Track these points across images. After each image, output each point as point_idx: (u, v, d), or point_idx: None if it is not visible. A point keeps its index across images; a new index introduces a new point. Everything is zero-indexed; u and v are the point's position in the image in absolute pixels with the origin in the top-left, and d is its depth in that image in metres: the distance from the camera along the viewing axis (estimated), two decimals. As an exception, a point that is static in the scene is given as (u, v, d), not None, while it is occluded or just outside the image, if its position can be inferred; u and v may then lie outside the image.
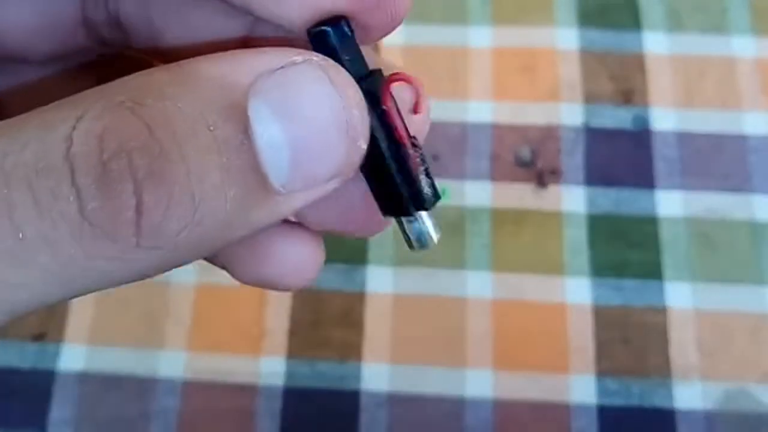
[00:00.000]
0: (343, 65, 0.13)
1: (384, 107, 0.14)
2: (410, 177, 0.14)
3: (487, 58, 0.43)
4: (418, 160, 0.14)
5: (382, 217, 0.15)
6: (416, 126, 0.15)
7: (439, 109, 0.42)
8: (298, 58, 0.12)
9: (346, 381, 0.36)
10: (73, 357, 0.37)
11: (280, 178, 0.12)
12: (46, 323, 0.38)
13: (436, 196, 0.15)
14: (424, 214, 0.15)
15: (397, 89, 0.14)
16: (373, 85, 0.14)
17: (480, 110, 0.42)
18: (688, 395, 0.36)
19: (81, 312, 0.38)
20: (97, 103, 0.12)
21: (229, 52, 0.12)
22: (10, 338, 0.38)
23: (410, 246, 0.15)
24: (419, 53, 0.43)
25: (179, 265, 0.13)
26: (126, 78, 0.12)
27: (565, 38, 0.44)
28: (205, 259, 0.16)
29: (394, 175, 0.14)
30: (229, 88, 0.12)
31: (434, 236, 0.15)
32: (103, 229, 0.11)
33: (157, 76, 0.12)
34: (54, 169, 0.11)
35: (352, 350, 0.37)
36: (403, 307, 0.38)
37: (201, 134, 0.12)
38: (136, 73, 0.12)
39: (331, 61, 0.13)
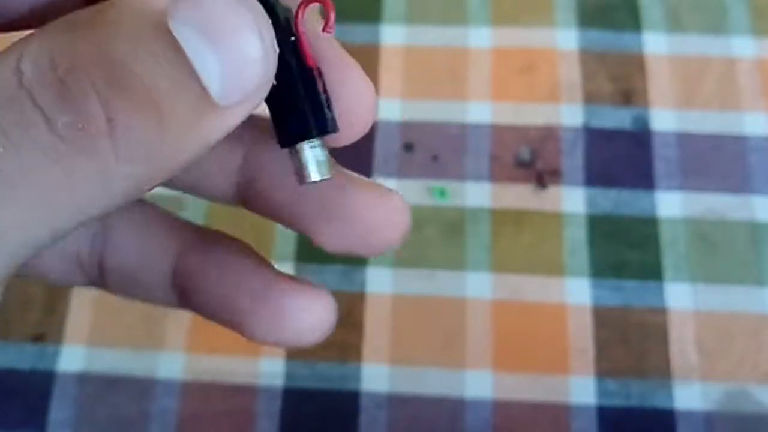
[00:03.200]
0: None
1: (296, 33, 0.15)
2: (317, 101, 0.15)
3: (486, 58, 0.43)
4: (320, 86, 0.15)
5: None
6: (357, 88, 0.16)
7: (439, 110, 0.42)
8: None
9: (346, 381, 0.36)
10: (72, 358, 0.37)
11: (217, 91, 0.13)
12: (45, 324, 0.38)
13: (336, 125, 0.15)
14: (320, 145, 0.15)
15: (309, 22, 0.15)
16: (289, 14, 0.15)
17: (480, 111, 0.42)
18: (688, 396, 0.36)
19: (80, 313, 0.38)
20: (37, 37, 0.12)
21: None
22: (10, 339, 0.38)
23: (303, 179, 0.15)
24: (419, 53, 0.43)
25: (153, 185, 0.13)
26: (57, 19, 0.13)
27: (565, 38, 0.43)
28: (217, 320, 0.18)
29: (301, 99, 0.15)
30: (153, 9, 0.12)
31: (329, 169, 0.15)
32: (78, 145, 0.12)
33: (84, 10, 0.13)
34: (13, 100, 0.12)
35: (351, 351, 0.37)
36: (402, 307, 0.38)
37: (141, 49, 0.12)
38: (64, 17, 0.13)
39: None
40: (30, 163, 0.12)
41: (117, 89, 0.12)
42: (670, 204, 0.39)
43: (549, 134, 0.41)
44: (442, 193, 0.40)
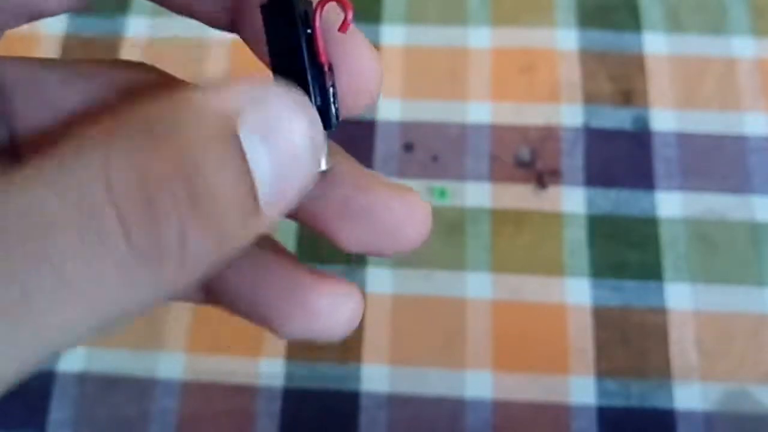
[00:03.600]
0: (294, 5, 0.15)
1: (313, 28, 0.15)
2: (325, 96, 0.16)
3: (486, 58, 0.43)
4: (331, 83, 0.16)
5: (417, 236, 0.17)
6: (364, 61, 0.16)
7: (439, 110, 0.42)
8: (273, 88, 0.14)
9: (346, 382, 0.36)
10: (72, 358, 0.37)
11: (264, 196, 0.13)
12: (45, 324, 0.38)
13: (338, 119, 0.16)
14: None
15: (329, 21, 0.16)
16: (308, 7, 0.15)
17: (479, 111, 0.42)
18: (688, 396, 0.36)
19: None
20: (122, 144, 0.13)
21: (214, 84, 0.14)
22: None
23: None
24: (419, 54, 0.43)
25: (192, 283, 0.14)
26: (134, 110, 0.13)
27: (565, 39, 0.44)
28: (244, 317, 0.18)
29: (309, 93, 0.15)
30: (225, 119, 0.13)
31: (325, 160, 0.16)
32: (146, 257, 0.12)
33: (162, 103, 0.13)
34: (97, 209, 0.12)
35: (351, 351, 0.37)
36: (402, 307, 0.38)
37: (213, 159, 0.13)
38: (137, 106, 0.13)
39: (294, 90, 0.14)
40: (97, 270, 0.12)
41: (194, 208, 0.12)
42: (670, 204, 0.39)
43: (549, 134, 0.41)
44: (442, 193, 0.40)
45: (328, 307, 0.17)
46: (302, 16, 0.15)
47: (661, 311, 0.37)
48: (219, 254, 0.13)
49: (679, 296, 0.38)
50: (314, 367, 0.37)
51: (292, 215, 0.17)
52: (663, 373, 0.36)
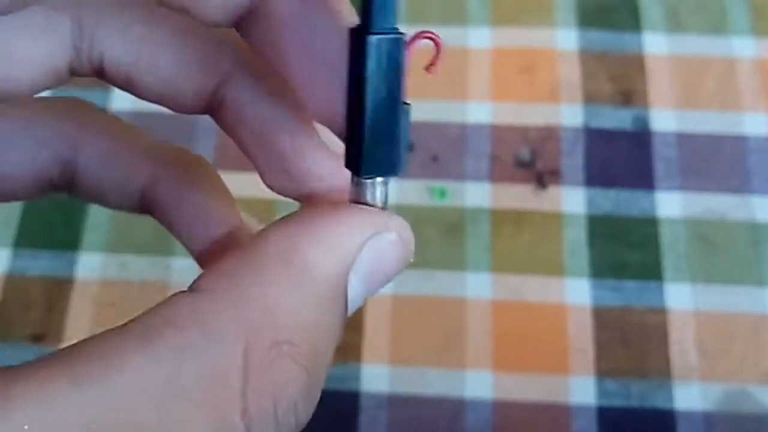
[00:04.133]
0: (395, 26, 0.14)
1: (403, 65, 0.14)
2: (406, 140, 0.15)
3: (486, 58, 0.43)
4: (406, 122, 0.15)
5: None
6: None
7: (439, 110, 0.42)
8: (383, 232, 0.15)
9: (346, 382, 0.36)
10: (72, 358, 0.37)
11: (350, 313, 0.15)
12: (45, 324, 0.38)
13: (403, 162, 0.15)
14: (387, 182, 0.15)
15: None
16: (398, 41, 0.14)
17: (479, 111, 0.42)
18: (688, 396, 0.36)
19: (80, 313, 0.38)
20: (254, 347, 0.13)
21: (324, 225, 0.14)
22: (10, 339, 0.38)
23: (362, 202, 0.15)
24: (419, 54, 0.43)
25: None
26: (251, 292, 0.13)
27: (565, 39, 0.43)
28: (244, 147, 0.18)
29: (396, 135, 0.14)
30: (338, 280, 0.14)
31: (386, 201, 0.16)
32: None
33: (284, 289, 0.14)
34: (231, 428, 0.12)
35: (351, 351, 0.37)
36: (402, 308, 0.38)
37: (327, 341, 0.14)
38: (255, 277, 0.14)
39: (404, 228, 0.15)
40: None
41: (311, 404, 0.14)
42: (670, 204, 0.39)
43: (549, 134, 0.41)
44: (442, 193, 0.40)
45: (317, 160, 0.17)
46: (394, 48, 0.14)
47: (661, 311, 0.37)
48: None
49: (679, 296, 0.38)
50: (314, 367, 0.37)
51: (232, 136, 0.18)
52: (663, 373, 0.36)
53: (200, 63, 0.17)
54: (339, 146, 0.16)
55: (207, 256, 0.19)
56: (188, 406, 0.12)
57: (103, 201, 0.19)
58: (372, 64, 0.14)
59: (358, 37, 0.14)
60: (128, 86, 0.17)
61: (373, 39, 0.14)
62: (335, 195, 0.17)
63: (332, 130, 0.16)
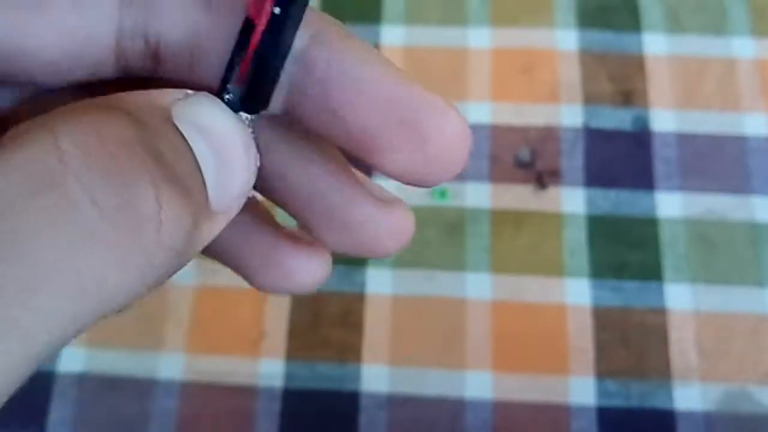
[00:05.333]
0: None
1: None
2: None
3: (486, 58, 0.43)
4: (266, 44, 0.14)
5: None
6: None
7: (439, 110, 0.42)
8: (201, 93, 0.13)
9: (346, 382, 0.36)
10: (72, 358, 0.37)
11: (212, 190, 0.13)
12: (45, 324, 0.38)
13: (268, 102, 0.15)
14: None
15: None
16: None
17: (479, 111, 0.42)
18: (688, 396, 0.36)
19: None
20: (65, 117, 0.12)
21: (138, 91, 0.13)
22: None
23: None
24: (418, 54, 0.43)
25: (170, 276, 0.13)
26: (72, 105, 0.12)
27: (565, 39, 0.43)
28: (224, 264, 0.18)
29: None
30: (161, 108, 0.13)
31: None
32: (125, 228, 0.11)
33: (93, 100, 0.13)
34: (53, 181, 0.11)
35: (351, 351, 0.37)
36: (402, 308, 0.38)
37: (166, 138, 0.12)
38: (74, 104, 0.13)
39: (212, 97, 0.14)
40: (70, 250, 0.11)
41: (163, 169, 0.12)
42: (670, 204, 0.39)
43: (549, 135, 0.41)
44: (442, 193, 0.40)
45: (302, 268, 0.18)
46: None
47: (661, 312, 0.37)
48: (193, 236, 0.12)
49: (679, 297, 0.38)
50: (314, 367, 0.37)
51: (279, 199, 0.17)
52: (663, 373, 0.36)
53: None
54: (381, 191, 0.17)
55: None
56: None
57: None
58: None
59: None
60: (183, 78, 0.16)
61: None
62: (390, 243, 0.17)
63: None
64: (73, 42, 0.14)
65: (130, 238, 0.11)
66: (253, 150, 0.14)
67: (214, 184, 0.13)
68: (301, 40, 0.14)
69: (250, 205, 0.18)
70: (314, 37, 0.15)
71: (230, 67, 0.14)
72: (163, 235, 0.12)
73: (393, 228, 0.17)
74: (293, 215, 0.17)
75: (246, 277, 0.18)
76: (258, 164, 0.14)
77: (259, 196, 0.18)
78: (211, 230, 0.13)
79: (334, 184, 0.16)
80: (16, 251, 0.10)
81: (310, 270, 0.18)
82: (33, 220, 0.11)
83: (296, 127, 0.16)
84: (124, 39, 0.15)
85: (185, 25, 0.15)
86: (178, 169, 0.12)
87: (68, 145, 0.11)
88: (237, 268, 0.18)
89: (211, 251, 0.18)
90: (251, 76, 0.14)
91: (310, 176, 0.16)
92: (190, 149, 0.13)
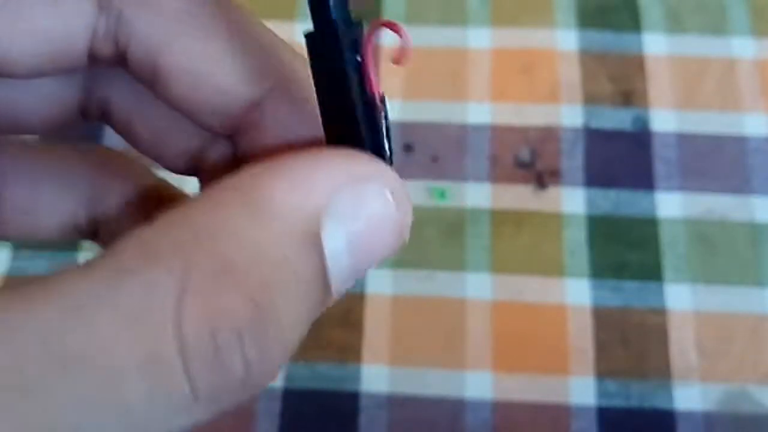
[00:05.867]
0: (332, 19, 0.13)
1: (362, 55, 0.14)
2: (376, 132, 0.14)
3: (486, 59, 0.43)
4: (383, 116, 0.14)
5: None
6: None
7: (439, 111, 0.42)
8: (363, 172, 0.13)
9: (346, 382, 0.36)
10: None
11: (338, 283, 0.13)
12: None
13: (392, 157, 0.15)
14: None
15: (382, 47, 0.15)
16: (357, 34, 0.14)
17: (479, 111, 0.42)
18: (688, 396, 0.36)
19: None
20: (193, 268, 0.12)
21: (297, 166, 0.13)
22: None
23: None
24: (419, 54, 0.43)
25: None
26: (199, 217, 0.12)
27: (565, 39, 0.43)
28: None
29: (360, 129, 0.14)
30: (306, 219, 0.12)
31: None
32: (211, 401, 0.12)
33: (234, 215, 0.12)
34: (167, 361, 0.11)
35: (351, 351, 0.37)
36: (402, 308, 0.38)
37: (285, 278, 0.12)
38: (206, 206, 0.12)
39: (385, 167, 0.13)
40: (158, 415, 0.11)
41: (260, 348, 0.12)
42: (669, 205, 0.39)
43: (549, 135, 0.41)
44: (442, 193, 0.40)
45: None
46: (352, 44, 0.14)
47: (661, 312, 0.37)
48: (285, 357, 0.13)
49: (678, 297, 0.38)
50: (314, 367, 0.37)
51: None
52: (663, 373, 0.36)
53: (188, 125, 0.16)
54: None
55: None
56: (118, 322, 0.11)
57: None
58: (315, 65, 0.14)
59: (324, 38, 0.13)
60: (128, 137, 0.17)
61: (349, 37, 0.13)
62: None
63: None
64: (49, 43, 0.15)
65: (212, 403, 0.12)
66: (407, 225, 0.14)
67: (345, 276, 0.13)
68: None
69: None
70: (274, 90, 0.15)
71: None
72: (244, 395, 0.12)
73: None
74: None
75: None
76: (408, 236, 0.14)
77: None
78: (324, 308, 0.13)
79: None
80: (116, 415, 0.11)
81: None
82: (142, 390, 0.11)
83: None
84: (97, 41, 0.15)
85: (154, 35, 0.15)
86: (285, 320, 0.12)
87: (190, 335, 0.11)
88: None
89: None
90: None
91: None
92: (321, 261, 0.13)
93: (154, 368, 0.11)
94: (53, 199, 0.18)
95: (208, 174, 0.17)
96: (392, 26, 0.13)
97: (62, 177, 0.18)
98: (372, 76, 0.14)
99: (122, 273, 0.11)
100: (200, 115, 0.16)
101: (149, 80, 0.15)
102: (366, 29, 0.14)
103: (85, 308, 0.11)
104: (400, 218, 0.14)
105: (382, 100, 0.14)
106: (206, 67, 0.15)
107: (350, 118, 0.14)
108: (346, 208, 0.13)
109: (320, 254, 0.12)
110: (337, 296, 0.13)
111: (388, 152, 0.14)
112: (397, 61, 0.14)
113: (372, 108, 0.14)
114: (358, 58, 0.14)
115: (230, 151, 0.17)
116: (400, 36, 0.13)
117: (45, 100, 0.16)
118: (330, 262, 0.13)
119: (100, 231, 0.18)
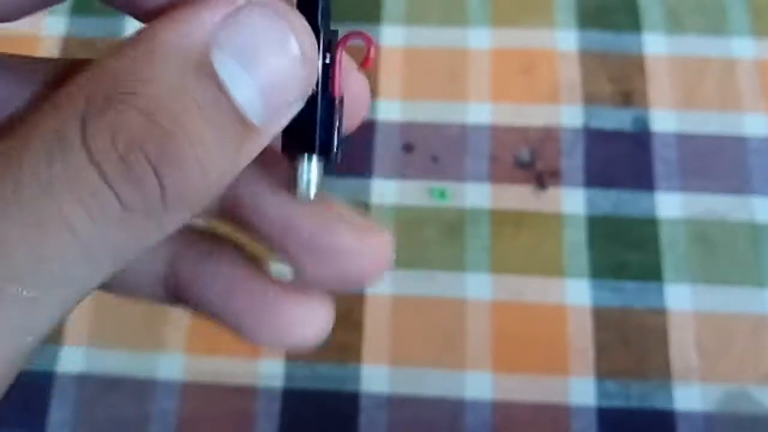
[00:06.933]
0: (318, 24, 0.15)
1: (332, 58, 0.15)
2: (330, 126, 0.16)
3: (486, 59, 0.43)
4: (338, 116, 0.16)
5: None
6: (357, 85, 0.17)
7: (439, 111, 0.42)
8: (248, 5, 0.13)
9: (346, 382, 0.36)
10: (72, 359, 0.37)
11: (257, 117, 0.13)
12: (45, 325, 0.38)
13: (339, 155, 0.16)
14: (317, 165, 0.16)
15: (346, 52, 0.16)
16: (333, 37, 0.16)
17: (479, 111, 0.42)
18: (688, 397, 0.36)
19: (80, 314, 0.38)
20: (92, 101, 0.13)
21: (180, 9, 0.13)
22: (9, 340, 0.37)
23: (294, 193, 0.16)
24: (419, 54, 0.43)
25: (193, 217, 0.14)
26: (98, 67, 0.13)
27: (565, 39, 0.43)
28: (213, 322, 0.18)
29: (317, 119, 0.15)
30: (193, 48, 0.13)
31: (314, 190, 0.16)
32: (139, 212, 0.13)
33: (126, 56, 0.13)
34: (86, 176, 0.12)
35: (351, 352, 0.37)
36: (402, 308, 0.38)
37: (186, 103, 0.13)
38: (102, 59, 0.13)
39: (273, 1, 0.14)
40: (103, 233, 0.13)
41: (169, 160, 0.13)
42: (669, 205, 0.39)
43: (549, 135, 0.41)
44: (442, 193, 0.40)
45: (300, 319, 0.17)
46: (325, 45, 0.15)
47: (661, 312, 0.37)
48: (215, 181, 0.13)
49: (678, 297, 0.38)
50: (314, 367, 0.37)
51: (259, 233, 0.17)
52: (663, 373, 0.36)
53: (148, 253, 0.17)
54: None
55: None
56: (41, 158, 0.12)
57: (124, 289, 0.19)
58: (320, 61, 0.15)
59: None
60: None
61: (324, 38, 0.15)
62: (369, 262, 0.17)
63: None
64: None
65: (143, 217, 0.13)
66: (310, 46, 0.14)
67: (261, 108, 0.13)
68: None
69: (237, 252, 0.18)
70: None
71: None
72: (170, 209, 0.13)
73: (375, 253, 0.17)
74: (274, 248, 0.17)
75: (244, 333, 0.18)
76: (316, 59, 0.14)
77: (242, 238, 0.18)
78: (259, 144, 0.14)
79: (313, 213, 0.17)
80: (63, 229, 0.13)
81: (309, 320, 0.17)
82: (80, 209, 0.13)
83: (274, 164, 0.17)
84: None
85: None
86: (193, 139, 0.13)
87: (95, 144, 0.12)
88: (234, 326, 0.18)
89: (206, 310, 0.18)
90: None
91: (288, 207, 0.17)
92: (221, 92, 0.13)
93: (80, 189, 0.12)
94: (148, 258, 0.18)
95: (194, 293, 0.18)
96: (362, 35, 0.15)
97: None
98: (338, 77, 0.15)
99: (35, 121, 0.13)
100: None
101: None
102: (340, 36, 0.15)
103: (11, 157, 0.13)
104: (295, 38, 0.14)
105: (341, 102, 0.16)
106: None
107: (311, 108, 0.15)
108: (232, 36, 0.13)
109: (216, 81, 0.13)
110: (267, 135, 0.14)
111: (335, 149, 0.16)
112: (363, 65, 0.16)
113: (331, 105, 0.15)
114: (327, 61, 0.15)
115: (205, 261, 0.17)
116: (369, 44, 0.15)
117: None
118: (233, 91, 0.13)
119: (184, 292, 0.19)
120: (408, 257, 0.39)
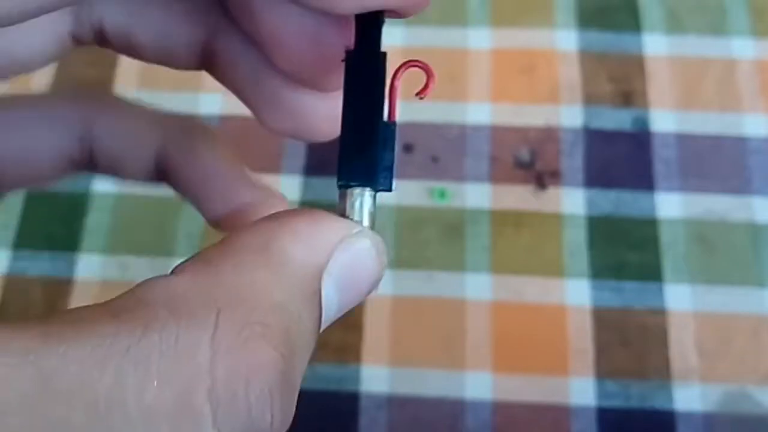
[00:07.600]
0: (380, 49, 0.15)
1: (391, 85, 0.15)
2: (390, 157, 0.15)
3: (486, 59, 0.43)
4: (395, 141, 0.16)
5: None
6: None
7: (438, 111, 0.42)
8: (355, 231, 0.15)
9: (345, 383, 0.36)
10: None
11: (326, 324, 0.15)
12: (45, 325, 0.38)
13: (394, 183, 0.16)
14: (374, 198, 0.16)
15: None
16: (385, 63, 0.15)
17: (479, 112, 0.42)
18: (688, 397, 0.36)
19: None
20: (225, 325, 0.12)
21: (302, 223, 0.14)
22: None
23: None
24: (418, 55, 0.43)
25: None
26: (225, 276, 0.13)
27: (565, 39, 0.43)
28: (246, 102, 0.19)
29: (377, 149, 0.15)
30: (312, 276, 0.14)
31: (368, 223, 0.16)
32: None
33: (259, 274, 0.13)
34: (196, 411, 0.12)
35: (351, 352, 0.37)
36: (402, 308, 0.38)
37: (303, 334, 0.14)
38: (229, 263, 0.13)
39: (371, 233, 0.15)
40: None
41: (286, 397, 0.13)
42: (669, 205, 0.39)
43: (549, 135, 0.41)
44: (442, 194, 0.40)
45: (310, 107, 0.18)
46: (386, 69, 0.15)
47: (661, 312, 0.37)
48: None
49: (678, 297, 0.38)
50: (313, 368, 0.37)
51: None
52: (663, 374, 0.36)
53: (188, 17, 0.18)
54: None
55: (224, 225, 0.20)
56: (148, 375, 0.11)
57: (120, 172, 0.21)
58: (351, 79, 0.15)
59: (366, 60, 0.15)
60: (129, 49, 0.18)
61: (352, 56, 0.15)
62: (327, 127, 0.18)
63: (303, 82, 0.18)
64: (44, 41, 0.18)
65: None
66: (384, 265, 0.16)
67: (332, 317, 0.15)
68: None
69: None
70: None
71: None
72: None
73: (330, 112, 0.18)
74: (243, 100, 0.19)
75: (259, 116, 0.19)
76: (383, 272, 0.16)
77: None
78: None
79: (279, 78, 0.18)
80: None
81: (318, 109, 0.18)
82: None
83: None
84: (76, 28, 0.18)
85: (120, 5, 0.18)
86: (299, 368, 0.13)
87: (221, 385, 0.12)
88: (251, 106, 0.19)
89: (229, 85, 0.19)
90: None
91: (260, 72, 0.18)
92: (319, 310, 0.14)
93: (185, 421, 0.11)
94: (47, 136, 0.20)
95: (224, 68, 0.18)
96: (421, 65, 0.16)
97: (50, 113, 0.20)
98: (396, 104, 0.15)
99: (151, 328, 0.12)
100: (169, 59, 0.18)
101: (128, 52, 0.18)
102: (396, 64, 0.16)
103: (113, 355, 0.11)
104: (379, 260, 0.15)
105: (392, 127, 0.16)
106: (162, 25, 0.18)
107: (370, 135, 0.15)
108: (343, 268, 0.14)
109: (320, 307, 0.14)
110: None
111: (392, 176, 0.16)
112: (420, 93, 0.16)
113: (391, 132, 0.15)
114: (392, 84, 0.15)
115: (240, 39, 0.18)
116: (428, 74, 0.16)
117: (38, 35, 0.18)
118: (325, 313, 0.14)
119: (96, 158, 0.21)
120: (408, 257, 0.39)
